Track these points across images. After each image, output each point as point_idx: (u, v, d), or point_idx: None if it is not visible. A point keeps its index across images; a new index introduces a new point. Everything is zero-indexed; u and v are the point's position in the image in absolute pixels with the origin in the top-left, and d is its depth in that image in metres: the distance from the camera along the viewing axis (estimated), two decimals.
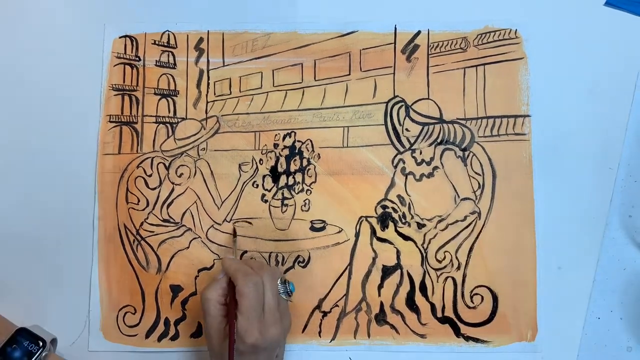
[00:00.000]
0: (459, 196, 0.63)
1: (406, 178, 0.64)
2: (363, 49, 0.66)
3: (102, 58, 0.66)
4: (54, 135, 0.64)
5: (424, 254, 0.63)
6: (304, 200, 0.64)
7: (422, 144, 0.64)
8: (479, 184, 0.63)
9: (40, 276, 0.63)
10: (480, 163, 0.64)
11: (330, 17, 0.66)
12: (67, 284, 0.63)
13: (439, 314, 0.62)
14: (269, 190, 0.64)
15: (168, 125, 0.65)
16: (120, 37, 0.66)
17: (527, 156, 0.64)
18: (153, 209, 0.64)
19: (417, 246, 0.63)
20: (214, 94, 0.65)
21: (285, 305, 0.55)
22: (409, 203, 0.63)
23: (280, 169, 0.64)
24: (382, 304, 0.62)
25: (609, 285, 0.62)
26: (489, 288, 0.62)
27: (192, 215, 0.64)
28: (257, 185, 0.64)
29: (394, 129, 0.65)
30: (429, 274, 0.63)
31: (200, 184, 0.64)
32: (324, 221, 0.64)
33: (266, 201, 0.64)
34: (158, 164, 0.64)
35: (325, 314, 0.62)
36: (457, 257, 0.63)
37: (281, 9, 0.66)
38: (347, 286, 0.63)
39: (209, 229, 0.64)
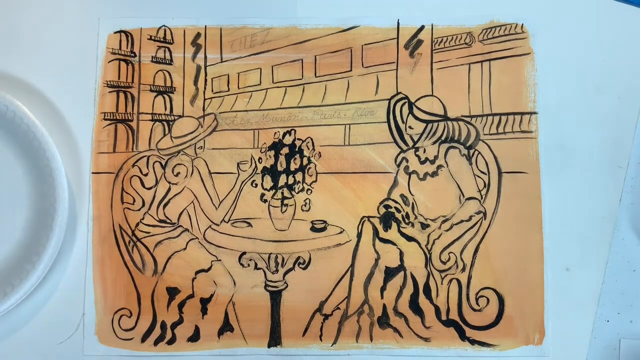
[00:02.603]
0: (463, 195, 0.62)
1: (409, 177, 0.63)
2: (365, 44, 0.64)
3: (97, 54, 0.65)
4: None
5: (428, 255, 0.62)
6: (305, 200, 0.63)
7: (425, 142, 0.63)
8: (484, 183, 0.62)
9: None
10: (485, 161, 0.63)
11: (331, 11, 0.65)
12: (61, 286, 0.62)
13: (444, 317, 0.61)
14: (269, 190, 0.63)
15: (164, 123, 0.64)
16: (115, 33, 0.65)
17: (534, 154, 0.62)
18: (149, 209, 0.63)
19: (420, 247, 0.62)
20: (212, 90, 0.64)
21: None
22: (413, 203, 0.62)
23: (279, 168, 0.63)
24: (384, 307, 0.61)
25: (618, 287, 0.61)
26: (494, 290, 0.61)
27: (189, 216, 0.63)
28: (256, 185, 0.63)
29: (397, 126, 0.63)
30: (433, 276, 0.61)
31: (197, 183, 0.63)
32: (324, 221, 0.62)
33: (265, 201, 0.63)
34: (154, 163, 0.63)
35: (326, 317, 0.61)
36: (462, 259, 0.62)
37: (281, 3, 0.65)
38: (348, 288, 0.61)
39: (206, 229, 0.63)
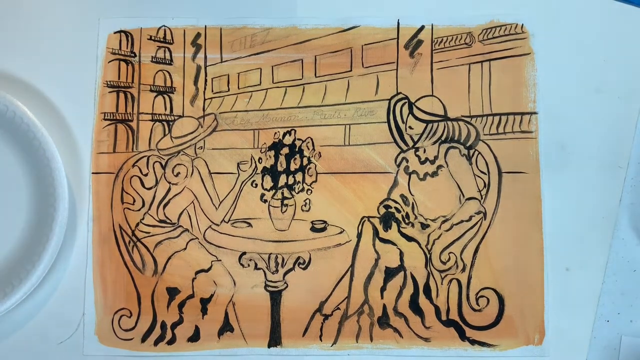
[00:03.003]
0: (463, 196, 0.62)
1: (409, 177, 0.63)
2: (365, 44, 0.64)
3: (97, 54, 0.64)
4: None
5: (428, 255, 0.62)
6: (305, 200, 0.63)
7: (425, 142, 0.63)
8: (484, 183, 0.62)
9: None
10: (485, 161, 0.63)
11: (331, 11, 0.65)
12: (61, 286, 0.61)
13: (444, 317, 0.61)
14: (269, 190, 0.63)
15: (164, 123, 0.64)
16: (115, 33, 0.65)
17: (534, 154, 0.62)
18: (149, 209, 0.63)
19: (420, 247, 0.62)
20: (212, 90, 0.64)
21: None
22: (413, 203, 0.62)
23: (280, 168, 0.63)
24: (385, 307, 0.61)
25: (618, 287, 0.61)
26: (495, 290, 0.61)
27: (189, 216, 0.63)
28: (256, 185, 0.63)
29: (397, 126, 0.63)
30: (433, 276, 0.61)
31: (197, 183, 0.63)
32: (325, 222, 0.62)
33: (265, 201, 0.63)
34: (154, 163, 0.63)
35: (326, 317, 0.61)
36: (462, 259, 0.61)
37: (281, 3, 0.65)
38: (348, 288, 0.61)
39: (206, 229, 0.63)
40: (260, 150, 0.64)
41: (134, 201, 0.63)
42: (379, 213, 0.62)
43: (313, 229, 0.62)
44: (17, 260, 0.60)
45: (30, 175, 0.62)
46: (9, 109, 0.60)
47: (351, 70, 0.64)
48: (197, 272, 0.62)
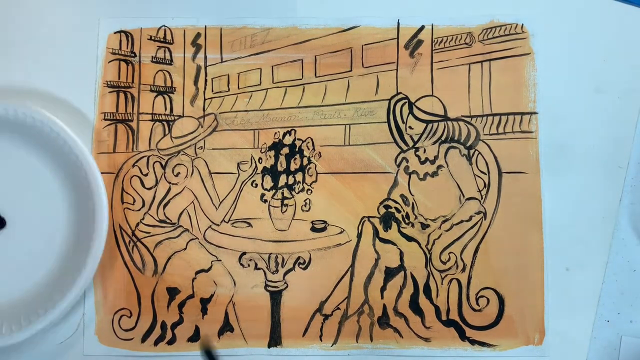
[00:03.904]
0: (464, 196, 0.62)
1: (409, 177, 0.63)
2: (365, 44, 0.64)
3: (97, 54, 0.64)
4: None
5: (428, 255, 0.62)
6: (305, 200, 0.63)
7: (426, 142, 0.63)
8: (484, 183, 0.62)
9: None
10: (485, 161, 0.63)
11: (331, 11, 0.65)
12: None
13: (444, 317, 0.61)
14: (269, 190, 0.63)
15: (164, 123, 0.64)
16: (115, 33, 0.65)
17: (534, 154, 0.62)
18: (149, 209, 0.63)
19: (421, 247, 0.62)
20: (212, 90, 0.64)
21: None
22: (413, 203, 0.62)
23: (280, 168, 0.63)
24: (385, 307, 0.61)
25: (618, 287, 0.61)
26: (495, 290, 0.61)
27: (190, 216, 0.63)
28: (256, 185, 0.63)
29: (397, 126, 0.63)
30: (433, 276, 0.61)
31: (197, 183, 0.63)
32: (325, 222, 0.62)
33: (265, 201, 0.63)
34: (154, 163, 0.63)
35: (326, 317, 0.61)
36: (462, 259, 0.61)
37: (281, 3, 0.65)
38: (349, 288, 0.61)
39: (206, 229, 0.63)
40: (260, 150, 0.64)
41: (134, 201, 0.63)
42: (379, 213, 0.62)
43: (313, 229, 0.62)
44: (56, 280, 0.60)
45: (70, 205, 0.61)
46: (53, 130, 0.59)
47: (351, 70, 0.64)
48: (197, 272, 0.62)
